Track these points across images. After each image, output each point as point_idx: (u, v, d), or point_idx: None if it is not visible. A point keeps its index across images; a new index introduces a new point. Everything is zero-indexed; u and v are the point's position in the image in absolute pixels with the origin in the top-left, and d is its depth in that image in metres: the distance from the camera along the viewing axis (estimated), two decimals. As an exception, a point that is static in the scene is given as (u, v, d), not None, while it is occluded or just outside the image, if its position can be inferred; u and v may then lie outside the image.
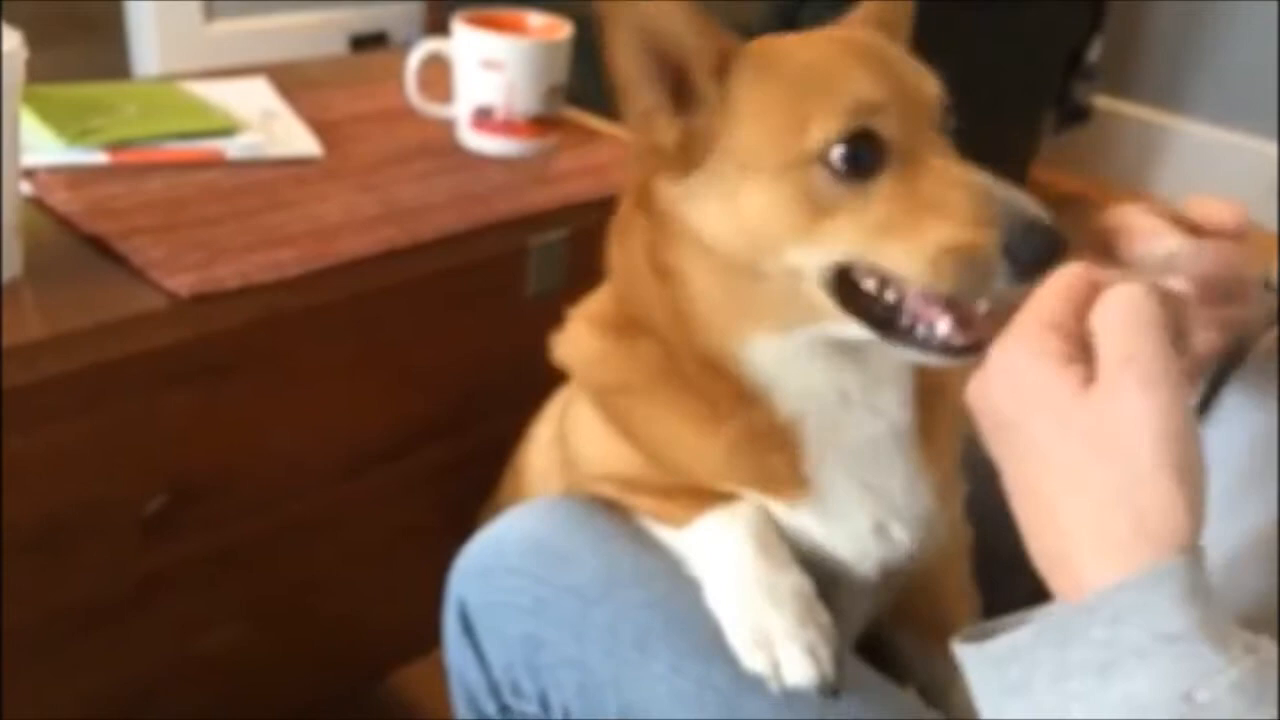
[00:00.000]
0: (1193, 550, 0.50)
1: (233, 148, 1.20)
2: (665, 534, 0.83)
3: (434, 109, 1.33)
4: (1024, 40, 2.57)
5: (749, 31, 2.47)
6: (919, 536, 0.83)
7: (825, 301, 0.70)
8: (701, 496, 0.81)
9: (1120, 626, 0.48)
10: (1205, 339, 0.67)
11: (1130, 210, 0.67)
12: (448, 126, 1.34)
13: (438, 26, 1.37)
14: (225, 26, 2.99)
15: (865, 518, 0.81)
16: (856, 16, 0.80)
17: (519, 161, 1.31)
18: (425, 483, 1.22)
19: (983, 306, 0.68)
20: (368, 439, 1.15)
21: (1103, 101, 2.99)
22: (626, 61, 0.72)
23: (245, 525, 1.08)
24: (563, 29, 1.33)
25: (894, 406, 0.78)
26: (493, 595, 0.83)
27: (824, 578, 0.79)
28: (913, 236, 0.66)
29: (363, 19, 3.22)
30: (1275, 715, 0.47)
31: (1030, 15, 2.55)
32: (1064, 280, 0.56)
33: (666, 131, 0.73)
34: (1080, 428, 0.51)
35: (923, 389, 0.80)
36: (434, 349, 1.17)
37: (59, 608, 0.99)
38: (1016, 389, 0.54)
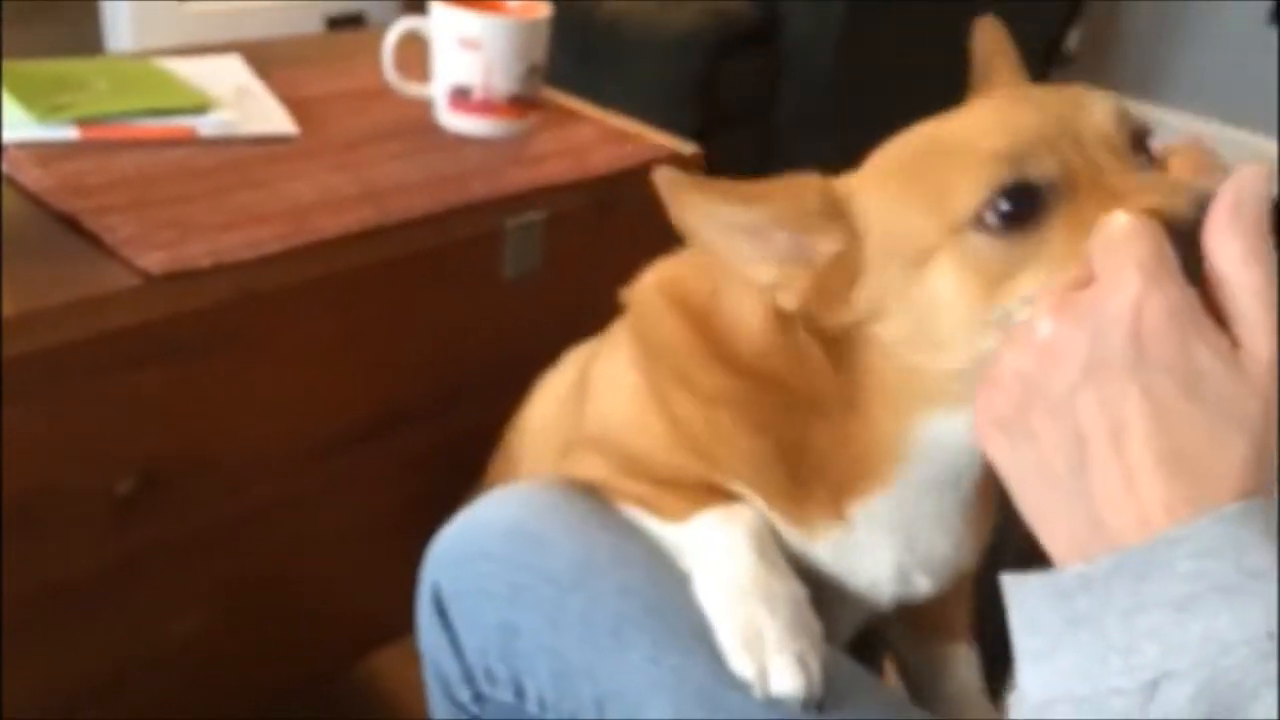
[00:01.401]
0: (1268, 494, 0.48)
1: (205, 125, 1.19)
2: (656, 526, 0.81)
3: (411, 88, 1.32)
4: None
5: (729, 17, 2.44)
6: (942, 583, 0.82)
7: None
8: (702, 493, 0.79)
9: (1208, 560, 0.46)
10: None
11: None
12: (425, 106, 1.32)
13: (414, 9, 1.35)
14: (200, 7, 2.96)
15: (891, 563, 0.79)
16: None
17: (497, 142, 1.30)
18: (400, 466, 1.21)
19: None
20: (342, 422, 1.14)
21: (1081, 90, 3.00)
22: (726, 258, 0.70)
23: (218, 508, 1.07)
24: (541, 8, 1.31)
25: (972, 479, 0.76)
26: (468, 581, 0.82)
27: (822, 592, 0.78)
28: (1074, 259, 0.58)
29: (339, 0, 3.19)
30: None
31: (1007, 4, 2.55)
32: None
33: (802, 283, 0.69)
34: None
35: None
36: (410, 331, 1.16)
37: (26, 591, 0.97)
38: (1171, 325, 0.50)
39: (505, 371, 1.23)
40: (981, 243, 0.61)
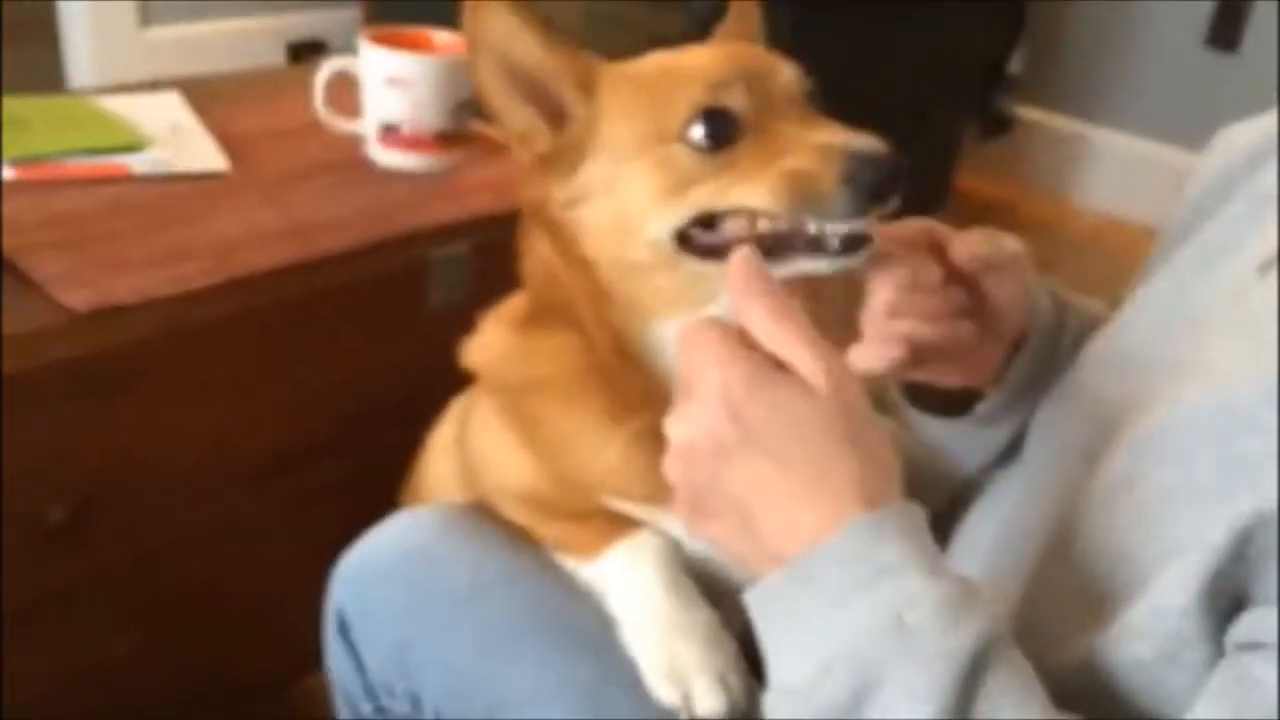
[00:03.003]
0: (902, 502, 0.58)
1: (139, 163, 1.23)
2: (576, 566, 0.85)
3: (343, 125, 1.36)
4: (944, 53, 2.63)
5: (666, 42, 2.49)
6: None
7: (685, 260, 0.74)
8: (608, 524, 0.83)
9: (851, 565, 0.55)
10: (916, 330, 0.76)
11: (897, 225, 0.77)
12: (358, 141, 1.37)
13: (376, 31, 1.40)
14: (161, 33, 3.00)
15: None
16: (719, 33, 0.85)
17: (425, 176, 1.34)
18: (326, 495, 1.25)
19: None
20: (269, 451, 1.18)
21: (1024, 111, 3.07)
22: (493, 88, 0.77)
23: (148, 534, 1.11)
24: (469, 47, 1.36)
25: None
26: (367, 602, 0.87)
27: (719, 586, 0.82)
28: (760, 176, 0.71)
29: (300, 26, 3.23)
30: (974, 632, 0.53)
31: (950, 29, 2.61)
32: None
33: (542, 144, 0.77)
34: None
35: None
36: (336, 362, 1.20)
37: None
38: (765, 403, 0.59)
39: (430, 401, 1.26)
40: (682, 153, 0.72)
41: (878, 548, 0.55)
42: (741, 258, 0.63)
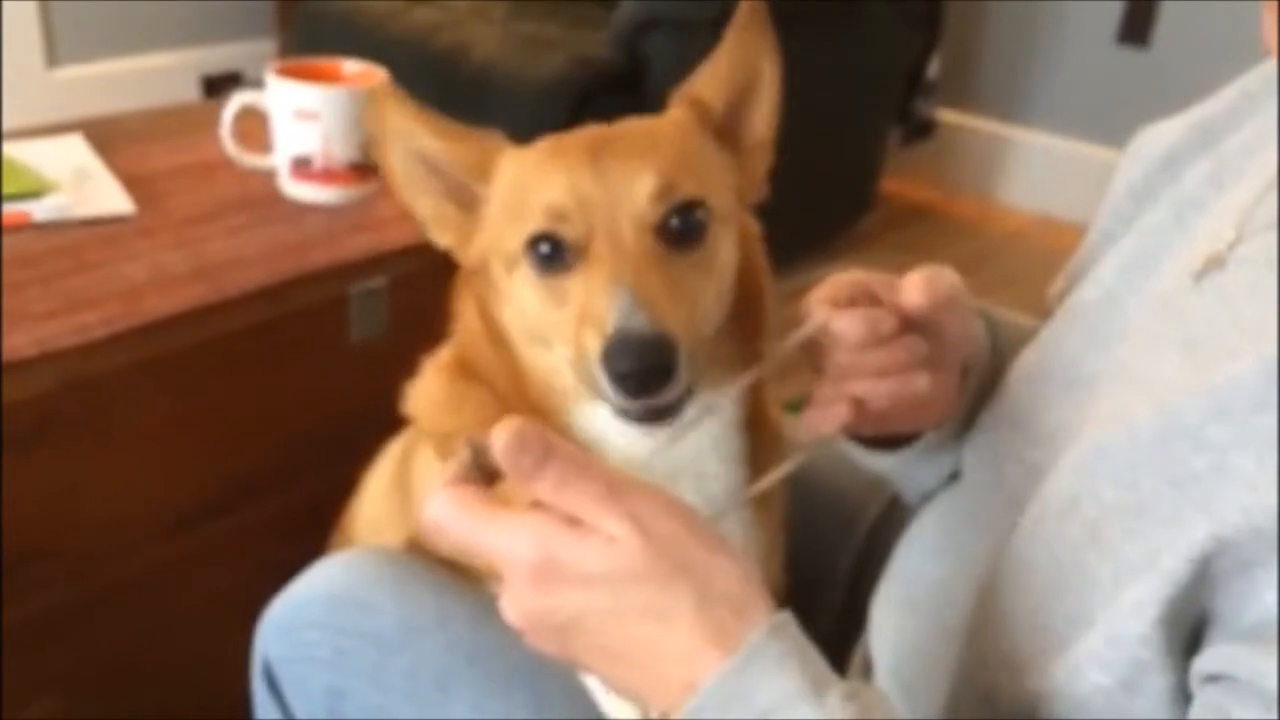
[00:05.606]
0: (764, 626, 0.53)
1: (40, 210, 1.19)
2: None
3: (252, 160, 1.33)
4: (863, 62, 2.64)
5: (593, 65, 2.48)
6: None
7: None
8: None
9: (730, 714, 0.52)
10: (872, 388, 0.72)
11: (824, 285, 0.73)
12: (271, 176, 1.34)
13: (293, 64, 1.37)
14: (70, 73, 2.94)
15: None
16: (679, 95, 0.79)
17: (340, 209, 1.31)
18: (252, 538, 1.22)
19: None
20: (188, 498, 1.15)
21: (946, 115, 3.09)
22: (399, 177, 0.77)
23: (61, 593, 1.07)
24: (378, 76, 1.34)
25: (724, 472, 0.79)
26: (295, 650, 0.84)
27: None
28: (565, 333, 0.69)
29: (214, 59, 3.18)
30: None
31: (868, 38, 2.63)
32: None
33: (453, 228, 0.77)
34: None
35: (756, 450, 0.80)
36: (255, 402, 1.17)
37: None
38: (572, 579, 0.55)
39: (354, 434, 1.23)
40: (530, 272, 0.71)
41: (751, 692, 0.52)
42: (504, 443, 0.55)
